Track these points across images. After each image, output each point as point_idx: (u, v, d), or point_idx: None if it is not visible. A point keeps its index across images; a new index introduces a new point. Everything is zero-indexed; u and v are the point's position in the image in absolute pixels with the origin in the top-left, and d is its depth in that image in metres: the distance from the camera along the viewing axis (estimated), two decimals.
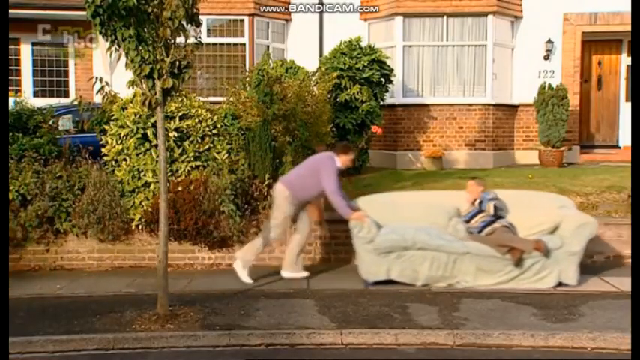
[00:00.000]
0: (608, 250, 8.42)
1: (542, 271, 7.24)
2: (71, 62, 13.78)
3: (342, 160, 7.58)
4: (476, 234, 7.50)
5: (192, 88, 11.95)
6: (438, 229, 7.52)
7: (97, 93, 6.44)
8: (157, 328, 5.95)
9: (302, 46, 13.26)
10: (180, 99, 8.72)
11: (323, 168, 7.45)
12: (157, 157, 7.58)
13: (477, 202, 7.73)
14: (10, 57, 12.71)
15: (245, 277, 7.53)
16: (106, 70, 11.65)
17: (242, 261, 7.59)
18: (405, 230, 7.38)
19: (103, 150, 8.68)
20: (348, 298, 6.82)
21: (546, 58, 13.29)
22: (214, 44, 13.07)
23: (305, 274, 7.73)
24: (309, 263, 8.35)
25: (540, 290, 7.12)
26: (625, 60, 13.92)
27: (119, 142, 8.56)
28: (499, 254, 7.21)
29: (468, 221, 7.67)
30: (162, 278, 6.26)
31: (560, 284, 7.24)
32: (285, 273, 7.70)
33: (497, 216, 7.55)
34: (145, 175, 8.38)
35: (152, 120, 8.24)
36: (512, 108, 13.44)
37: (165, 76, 5.94)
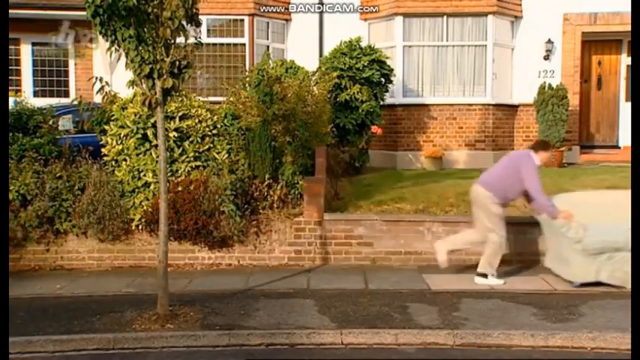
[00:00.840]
0: None
1: None
2: (71, 62, 13.78)
3: (541, 157, 7.32)
4: None
5: (192, 88, 11.94)
6: None
7: (97, 93, 6.46)
8: (156, 328, 5.95)
9: (302, 46, 13.26)
10: (180, 99, 8.72)
11: (524, 167, 7.21)
12: (157, 157, 7.58)
13: None
14: (10, 57, 12.71)
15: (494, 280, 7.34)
16: (106, 70, 11.64)
17: (486, 270, 7.33)
18: (617, 230, 6.98)
19: (103, 150, 8.69)
20: (348, 298, 6.82)
21: (546, 58, 13.28)
22: (214, 44, 13.06)
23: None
24: (309, 263, 8.37)
25: (540, 290, 7.09)
26: (625, 60, 13.92)
27: (119, 142, 8.57)
28: None
29: None
30: (162, 278, 6.26)
31: None
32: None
33: None
34: (145, 175, 8.38)
35: (152, 120, 8.24)
36: (512, 108, 13.43)
37: (165, 76, 5.94)
